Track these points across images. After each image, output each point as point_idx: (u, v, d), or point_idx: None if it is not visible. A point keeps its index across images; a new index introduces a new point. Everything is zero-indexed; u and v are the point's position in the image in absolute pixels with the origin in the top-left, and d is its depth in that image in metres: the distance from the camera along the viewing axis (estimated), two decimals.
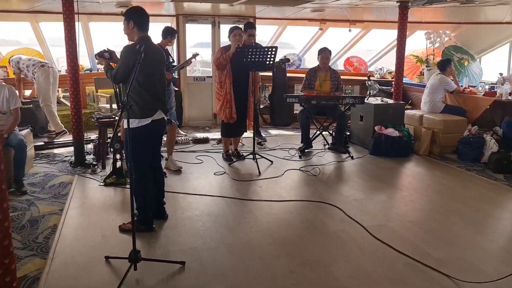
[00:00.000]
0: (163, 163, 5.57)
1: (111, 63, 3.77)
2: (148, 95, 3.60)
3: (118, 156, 5.07)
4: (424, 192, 4.90)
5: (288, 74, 8.69)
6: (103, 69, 3.79)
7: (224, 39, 8.34)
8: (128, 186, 4.84)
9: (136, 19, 3.60)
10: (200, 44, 11.93)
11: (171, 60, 6.97)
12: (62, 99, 9.14)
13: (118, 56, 3.72)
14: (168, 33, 6.65)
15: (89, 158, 5.79)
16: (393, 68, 9.58)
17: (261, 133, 7.26)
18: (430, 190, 4.96)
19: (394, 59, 7.32)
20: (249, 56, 5.32)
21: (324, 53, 6.52)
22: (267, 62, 5.47)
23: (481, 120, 6.69)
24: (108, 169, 5.25)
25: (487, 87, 6.97)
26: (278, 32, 9.54)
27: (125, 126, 3.57)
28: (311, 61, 10.59)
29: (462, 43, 8.75)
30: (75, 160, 5.63)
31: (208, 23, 8.32)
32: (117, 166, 5.10)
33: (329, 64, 6.70)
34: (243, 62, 5.34)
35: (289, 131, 8.02)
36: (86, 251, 3.45)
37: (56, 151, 6.36)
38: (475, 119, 6.65)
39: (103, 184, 4.94)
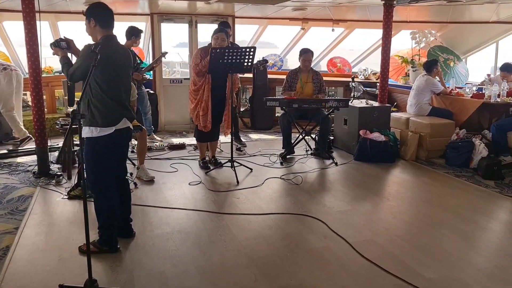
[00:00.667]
0: (134, 172, 5.19)
1: (68, 56, 3.37)
2: (112, 101, 3.23)
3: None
4: (412, 202, 4.62)
5: (269, 76, 8.36)
6: (59, 61, 3.36)
7: (202, 39, 8.00)
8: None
9: (98, 16, 3.23)
10: (182, 44, 11.51)
11: (138, 61, 6.60)
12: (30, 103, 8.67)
13: (79, 48, 3.34)
14: (132, 33, 6.28)
15: (55, 167, 5.37)
16: (377, 69, 9.35)
17: (241, 138, 6.91)
18: (418, 199, 4.68)
19: (378, 59, 7.04)
20: (226, 57, 4.97)
21: (306, 55, 6.21)
22: (245, 64, 5.13)
23: (468, 123, 6.45)
24: (74, 180, 4.84)
25: (474, 88, 6.74)
26: (259, 32, 9.21)
27: (83, 135, 3.20)
28: (294, 62, 10.27)
29: (448, 43, 8.54)
30: (39, 170, 5.20)
31: (185, 23, 7.94)
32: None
33: (311, 66, 6.39)
34: (220, 63, 4.98)
35: (271, 135, 7.69)
36: (40, 277, 3.06)
37: (19, 159, 5.91)
38: (463, 121, 6.41)
39: (66, 197, 4.53)
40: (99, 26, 3.22)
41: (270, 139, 7.40)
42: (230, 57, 4.98)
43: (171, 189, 4.83)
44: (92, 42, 3.27)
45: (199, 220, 4.04)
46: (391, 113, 6.62)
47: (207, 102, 5.22)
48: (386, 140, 5.93)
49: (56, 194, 4.64)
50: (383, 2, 6.39)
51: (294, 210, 4.28)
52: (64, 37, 3.43)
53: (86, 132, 3.21)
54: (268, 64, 8.56)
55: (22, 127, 6.41)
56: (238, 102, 6.08)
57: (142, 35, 6.53)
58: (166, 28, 8.13)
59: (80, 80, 3.22)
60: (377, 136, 5.96)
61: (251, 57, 5.09)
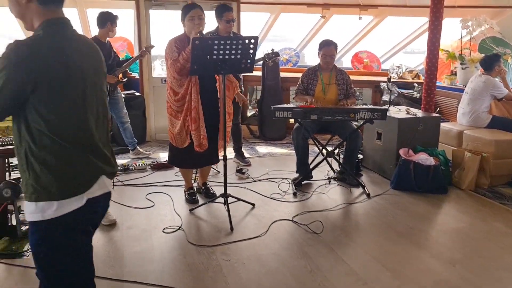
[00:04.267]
0: None
1: None
2: (74, 147, 1.70)
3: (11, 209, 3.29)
4: (486, 267, 3.09)
5: (281, 74, 6.86)
6: None
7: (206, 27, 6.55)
8: (27, 254, 3.08)
9: None
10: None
11: (114, 57, 5.16)
12: None
13: None
14: (107, 19, 4.85)
15: None
16: (412, 65, 7.81)
17: (244, 154, 5.44)
18: (500, 267, 3.14)
19: (412, 54, 5.50)
20: (216, 51, 3.50)
21: (327, 48, 4.69)
22: (244, 61, 3.65)
23: None
24: None
25: None
26: (270, 21, 7.69)
27: (27, 217, 1.72)
28: (312, 57, 8.71)
29: (504, 34, 6.89)
30: None
31: (179, 9, 6.44)
32: (9, 223, 3.31)
33: (334, 62, 4.87)
34: (206, 60, 3.52)
35: (282, 148, 6.20)
36: None
37: None
38: None
39: None
40: (38, 2, 1.68)
41: (282, 154, 5.91)
42: (221, 52, 3.50)
43: (136, 241, 3.39)
44: (22, 36, 1.77)
45: None
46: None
47: (197, 109, 3.74)
48: (436, 164, 4.39)
49: None
50: None
51: (310, 284, 2.82)
52: None
53: (32, 211, 1.68)
54: (280, 58, 7.05)
55: None
56: (242, 101, 4.52)
57: (119, 22, 5.11)
58: (156, 16, 6.72)
59: (8, 116, 1.68)
60: (423, 158, 4.43)
61: (251, 50, 3.61)
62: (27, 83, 1.57)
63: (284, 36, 9.53)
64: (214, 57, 3.50)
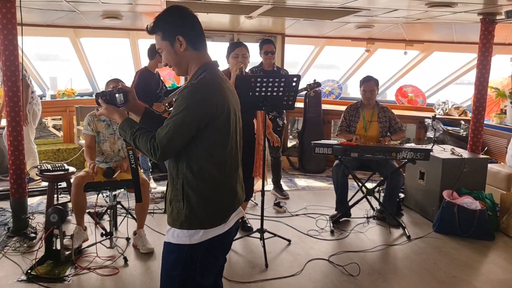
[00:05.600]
0: (131, 238, 3.87)
1: (131, 115, 2.03)
2: (228, 181, 1.92)
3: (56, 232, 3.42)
4: None
5: (323, 106, 6.86)
6: (119, 129, 1.96)
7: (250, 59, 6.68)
8: (68, 279, 3.19)
9: (188, 30, 1.87)
10: (222, 66, 10.29)
11: (162, 87, 5.36)
12: (51, 129, 7.78)
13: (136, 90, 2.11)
14: (156, 52, 5.00)
15: (36, 223, 4.18)
16: (458, 101, 7.60)
17: (282, 187, 5.44)
18: None
19: (458, 89, 5.36)
20: (258, 88, 3.56)
21: (368, 84, 4.67)
22: (286, 98, 3.69)
23: None
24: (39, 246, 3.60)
25: None
26: (315, 53, 7.74)
27: (167, 239, 1.90)
28: (356, 88, 8.56)
29: None
30: (13, 227, 4.03)
31: (225, 41, 6.68)
32: (53, 247, 3.44)
33: (376, 97, 4.83)
34: (249, 97, 3.58)
35: (322, 182, 6.15)
36: None
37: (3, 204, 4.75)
38: None
39: (24, 278, 3.25)
40: (192, 48, 1.87)
41: (321, 188, 5.86)
42: (263, 89, 3.56)
43: None
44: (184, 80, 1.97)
45: None
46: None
47: None
48: (482, 209, 4.21)
49: (16, 269, 3.39)
50: (481, 17, 4.73)
51: None
52: (119, 85, 2.09)
53: (178, 235, 1.86)
54: (322, 89, 7.08)
55: None
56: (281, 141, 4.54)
57: None
58: None
59: (178, 150, 1.82)
60: (468, 202, 4.27)
61: (293, 89, 3.65)
62: (203, 120, 1.76)
63: (330, 63, 9.53)
64: (256, 94, 3.56)
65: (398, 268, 3.68)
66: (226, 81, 1.96)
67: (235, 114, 1.93)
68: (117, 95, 1.98)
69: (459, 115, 6.93)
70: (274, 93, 3.59)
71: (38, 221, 4.19)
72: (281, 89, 3.60)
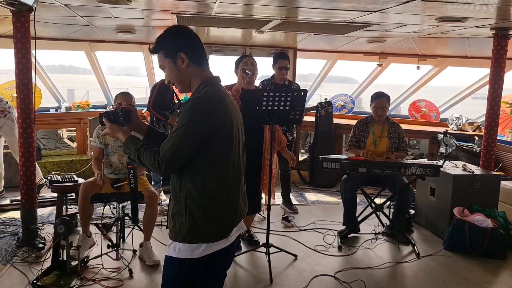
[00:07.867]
0: (138, 250, 3.89)
1: (133, 133, 2.04)
2: (232, 193, 1.93)
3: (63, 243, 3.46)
4: None
5: (335, 120, 6.83)
6: (123, 146, 1.99)
7: (262, 73, 6.71)
8: None
9: (189, 48, 1.92)
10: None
11: (175, 100, 5.42)
12: (66, 140, 7.90)
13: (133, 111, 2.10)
14: None
15: (45, 233, 4.23)
16: (474, 115, 7.50)
17: (292, 201, 5.41)
18: None
19: (475, 102, 5.28)
20: (265, 102, 3.57)
21: (379, 100, 4.65)
22: (293, 112, 3.69)
23: None
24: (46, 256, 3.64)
25: None
26: (327, 67, 7.75)
27: (169, 253, 1.91)
28: (369, 103, 8.54)
29: None
30: (23, 237, 4.08)
31: (237, 55, 6.71)
32: (60, 258, 3.47)
33: (387, 114, 4.80)
34: (256, 111, 3.59)
35: (332, 197, 6.10)
36: None
37: (15, 214, 4.85)
38: None
39: None
40: (194, 63, 1.92)
41: (331, 203, 5.81)
42: (270, 103, 3.57)
43: None
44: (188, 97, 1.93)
45: None
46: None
47: None
48: (494, 227, 4.12)
49: (22, 279, 3.43)
50: (494, 32, 4.68)
51: None
52: (122, 106, 2.12)
53: (180, 249, 1.87)
54: (334, 103, 7.07)
55: None
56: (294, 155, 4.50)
57: None
58: (215, 61, 7.01)
59: (182, 163, 1.84)
60: (480, 219, 4.18)
61: (300, 104, 3.65)
62: (206, 133, 1.79)
63: (347, 76, 9.51)
64: (263, 108, 3.57)
65: (405, 287, 3.61)
66: (228, 95, 1.99)
67: (237, 128, 1.94)
68: (118, 114, 2.03)
69: (473, 131, 6.82)
70: (281, 107, 3.60)
71: (47, 231, 4.25)
72: (288, 103, 3.61)
